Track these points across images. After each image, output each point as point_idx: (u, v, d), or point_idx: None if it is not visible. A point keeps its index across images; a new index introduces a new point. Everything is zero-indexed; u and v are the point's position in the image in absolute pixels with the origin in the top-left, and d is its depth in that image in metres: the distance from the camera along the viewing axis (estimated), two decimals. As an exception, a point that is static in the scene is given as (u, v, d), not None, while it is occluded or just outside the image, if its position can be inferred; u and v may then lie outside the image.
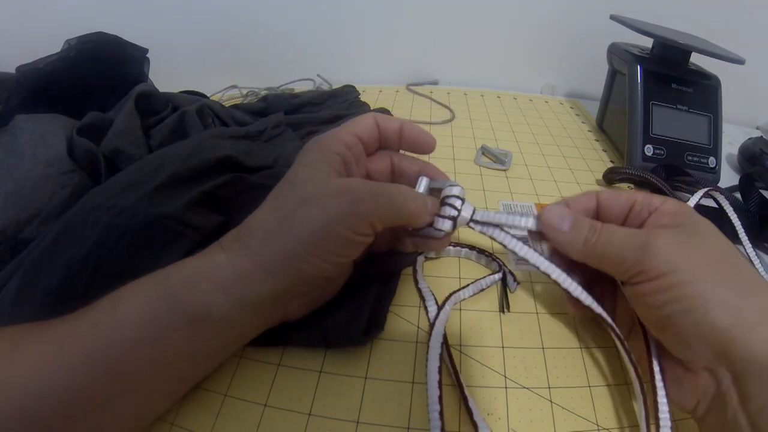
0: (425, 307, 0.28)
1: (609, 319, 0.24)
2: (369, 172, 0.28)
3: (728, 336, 0.19)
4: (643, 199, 0.25)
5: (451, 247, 0.32)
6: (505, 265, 0.31)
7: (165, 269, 0.21)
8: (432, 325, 0.26)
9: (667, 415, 0.21)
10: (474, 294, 0.29)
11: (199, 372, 0.22)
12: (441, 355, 0.24)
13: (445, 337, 0.25)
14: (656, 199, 0.24)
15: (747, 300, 0.19)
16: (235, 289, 0.20)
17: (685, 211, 0.23)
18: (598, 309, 0.24)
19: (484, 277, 0.30)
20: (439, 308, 0.27)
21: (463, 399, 0.23)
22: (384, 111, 0.48)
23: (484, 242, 0.32)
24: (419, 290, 0.29)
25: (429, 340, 0.25)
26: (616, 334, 0.23)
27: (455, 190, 0.26)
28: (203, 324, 0.20)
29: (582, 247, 0.24)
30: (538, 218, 0.25)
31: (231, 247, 0.21)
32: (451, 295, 0.28)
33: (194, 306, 0.20)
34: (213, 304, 0.20)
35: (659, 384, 0.22)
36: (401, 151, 0.29)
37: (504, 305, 0.29)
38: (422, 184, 0.27)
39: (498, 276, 0.30)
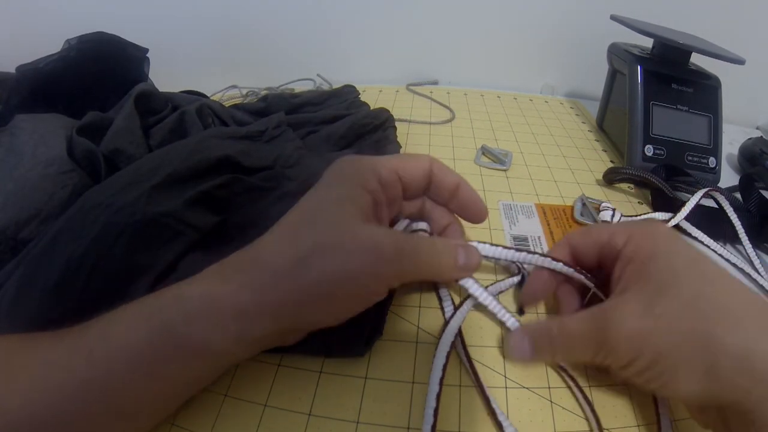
0: (441, 308, 0.28)
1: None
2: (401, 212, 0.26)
3: (707, 396, 0.18)
4: (608, 239, 0.23)
5: None
6: (523, 267, 0.30)
7: (158, 296, 0.20)
8: (447, 323, 0.25)
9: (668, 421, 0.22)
10: (494, 296, 0.28)
11: (192, 392, 0.22)
12: (449, 353, 0.23)
13: (462, 336, 0.25)
14: (619, 237, 0.23)
15: (714, 355, 0.18)
16: (233, 328, 0.19)
17: (648, 252, 0.21)
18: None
19: (503, 279, 0.29)
20: (456, 308, 0.26)
21: (485, 400, 0.23)
22: (384, 111, 0.48)
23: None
24: (437, 291, 0.29)
25: (440, 336, 0.24)
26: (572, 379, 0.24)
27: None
28: (200, 358, 0.19)
29: (551, 358, 0.24)
30: (506, 350, 0.25)
31: (233, 279, 0.20)
32: (468, 296, 0.27)
33: (191, 342, 0.19)
34: (210, 340, 0.19)
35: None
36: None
37: (521, 307, 0.28)
38: (401, 226, 0.26)
39: (516, 278, 0.29)
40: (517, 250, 0.26)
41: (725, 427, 0.19)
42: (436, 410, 0.21)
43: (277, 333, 0.20)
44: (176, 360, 0.19)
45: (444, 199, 0.25)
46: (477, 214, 0.26)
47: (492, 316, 0.28)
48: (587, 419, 0.23)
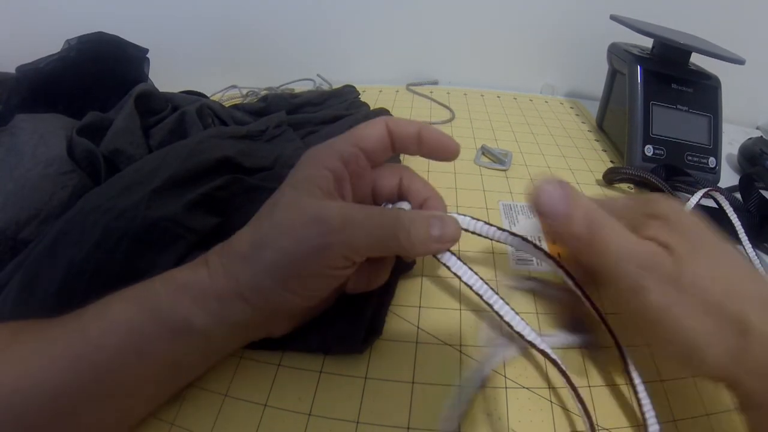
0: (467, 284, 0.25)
1: (560, 366, 0.24)
2: (375, 189, 0.25)
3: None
4: (635, 202, 0.23)
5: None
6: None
7: (153, 280, 0.21)
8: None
9: (655, 421, 0.21)
10: (477, 275, 0.25)
11: (182, 379, 0.22)
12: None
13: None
14: (649, 197, 0.22)
15: (754, 333, 0.18)
16: (213, 307, 0.20)
17: (674, 216, 0.20)
18: (553, 356, 0.24)
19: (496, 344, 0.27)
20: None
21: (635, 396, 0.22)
22: (384, 111, 0.48)
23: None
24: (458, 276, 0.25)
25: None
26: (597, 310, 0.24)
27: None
28: (185, 336, 0.20)
29: (576, 233, 0.21)
30: (534, 201, 0.22)
31: (212, 263, 0.21)
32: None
33: (176, 318, 0.20)
34: (193, 317, 0.20)
35: (641, 394, 0.22)
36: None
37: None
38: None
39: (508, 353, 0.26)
40: (500, 229, 0.25)
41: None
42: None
43: (259, 317, 0.21)
44: (162, 338, 0.19)
45: (413, 150, 0.25)
46: (448, 151, 0.25)
47: (492, 316, 0.28)
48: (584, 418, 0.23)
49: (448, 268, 0.24)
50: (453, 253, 0.24)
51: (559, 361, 0.23)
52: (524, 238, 0.25)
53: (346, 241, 0.20)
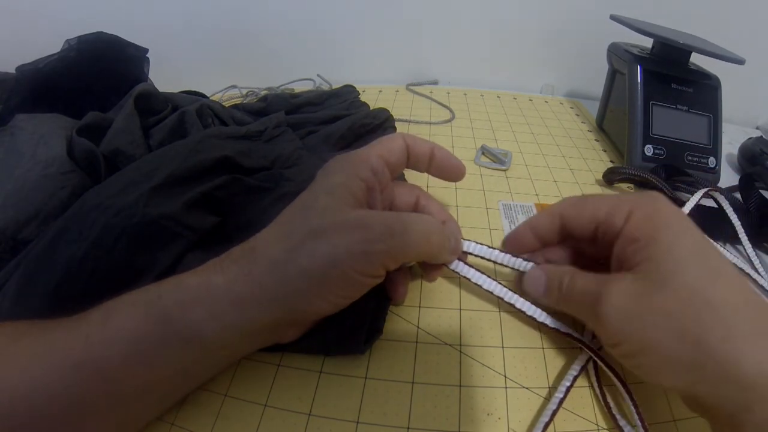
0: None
1: (578, 336, 0.25)
2: (394, 203, 0.26)
3: (693, 395, 0.19)
4: (605, 218, 0.22)
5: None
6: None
7: (159, 285, 0.20)
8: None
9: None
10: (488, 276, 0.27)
11: (189, 385, 0.22)
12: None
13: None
14: (620, 217, 0.22)
15: (703, 354, 0.18)
16: (229, 317, 0.19)
17: (650, 235, 0.21)
18: (564, 329, 0.25)
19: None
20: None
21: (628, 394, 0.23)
22: (384, 111, 0.48)
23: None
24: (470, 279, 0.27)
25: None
26: (589, 348, 0.25)
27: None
28: (195, 346, 0.19)
29: (556, 306, 0.24)
30: (523, 285, 0.25)
31: (230, 270, 0.20)
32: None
33: (186, 328, 0.19)
34: (206, 327, 0.19)
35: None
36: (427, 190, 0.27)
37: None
38: None
39: None
40: (492, 248, 0.26)
41: (708, 416, 0.20)
42: None
43: (274, 324, 0.21)
44: (171, 346, 0.19)
45: (423, 167, 0.26)
46: (455, 171, 0.27)
47: (492, 315, 0.28)
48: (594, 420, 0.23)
49: (459, 273, 0.26)
50: (470, 265, 0.26)
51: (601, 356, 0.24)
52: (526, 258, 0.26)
53: (389, 249, 0.20)
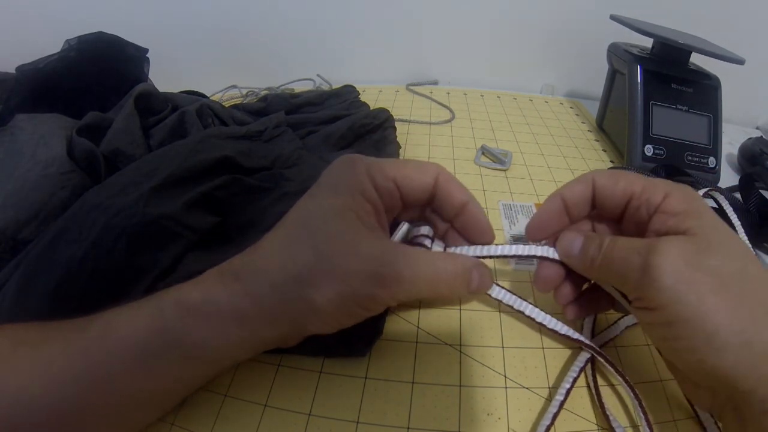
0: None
1: (578, 337, 0.25)
2: (405, 190, 0.24)
3: (731, 375, 0.17)
4: (642, 192, 0.22)
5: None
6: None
7: (160, 297, 0.20)
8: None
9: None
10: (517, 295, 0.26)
11: (189, 391, 0.22)
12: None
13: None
14: (657, 194, 0.21)
15: (758, 329, 0.17)
16: (233, 335, 0.19)
17: (694, 209, 0.20)
18: (575, 335, 0.25)
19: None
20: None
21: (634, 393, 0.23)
22: (384, 111, 0.48)
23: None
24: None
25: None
26: (589, 348, 0.24)
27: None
28: (197, 360, 0.20)
29: (590, 267, 0.22)
30: (557, 245, 0.24)
31: (233, 287, 0.19)
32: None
33: (190, 344, 0.19)
34: (208, 341, 0.19)
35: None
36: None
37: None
38: (400, 231, 0.23)
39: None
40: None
41: (716, 406, 0.19)
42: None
43: (278, 337, 0.21)
44: (175, 361, 0.19)
45: (447, 216, 0.24)
46: (482, 235, 0.24)
47: (492, 315, 0.28)
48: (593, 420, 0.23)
49: (499, 301, 0.25)
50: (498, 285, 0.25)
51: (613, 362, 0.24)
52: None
53: (397, 293, 0.20)
